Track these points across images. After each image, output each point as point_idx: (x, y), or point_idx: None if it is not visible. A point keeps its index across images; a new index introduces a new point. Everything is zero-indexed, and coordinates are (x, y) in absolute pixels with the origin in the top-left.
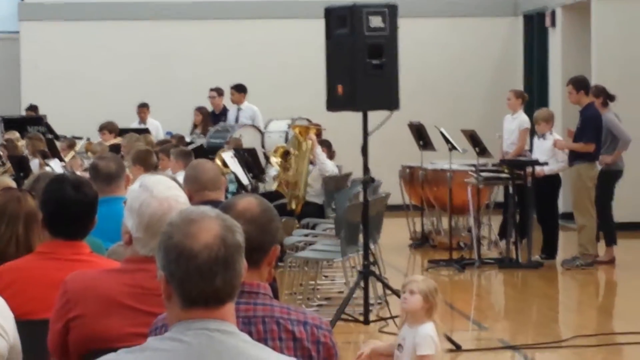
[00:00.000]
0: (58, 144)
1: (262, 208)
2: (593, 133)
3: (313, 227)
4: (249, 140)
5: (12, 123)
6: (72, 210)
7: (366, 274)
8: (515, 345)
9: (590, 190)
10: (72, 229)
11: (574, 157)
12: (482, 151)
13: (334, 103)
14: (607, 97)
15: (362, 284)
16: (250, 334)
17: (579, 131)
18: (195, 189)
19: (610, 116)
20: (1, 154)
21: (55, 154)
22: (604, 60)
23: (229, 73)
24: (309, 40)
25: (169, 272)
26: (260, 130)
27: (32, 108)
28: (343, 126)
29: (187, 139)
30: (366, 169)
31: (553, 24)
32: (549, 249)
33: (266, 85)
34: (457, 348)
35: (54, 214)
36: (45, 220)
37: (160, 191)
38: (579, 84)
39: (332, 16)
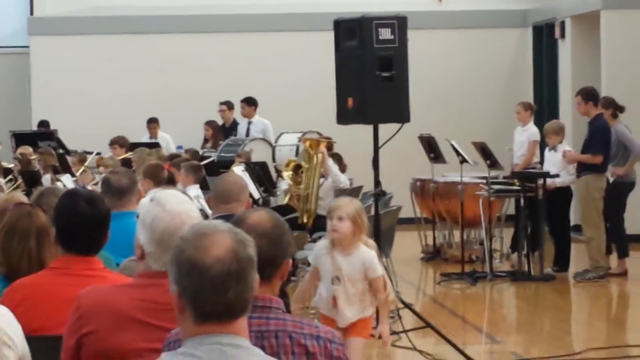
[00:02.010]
0: (69, 158)
1: (273, 222)
2: (601, 144)
3: None
4: (259, 154)
5: (23, 138)
6: (85, 225)
7: None
8: (528, 358)
9: (598, 202)
10: (85, 244)
11: (582, 168)
12: (493, 164)
13: (344, 116)
14: (616, 108)
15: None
16: (263, 348)
17: (587, 142)
18: (212, 203)
19: (621, 127)
20: (13, 169)
21: (67, 168)
22: (614, 71)
23: (238, 86)
24: (318, 53)
25: (182, 286)
26: (270, 144)
27: (43, 124)
28: (354, 139)
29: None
30: (377, 182)
31: (562, 35)
32: (561, 262)
33: (276, 98)
34: None
35: (67, 229)
36: (58, 235)
37: (172, 205)
38: (588, 94)
39: (342, 28)
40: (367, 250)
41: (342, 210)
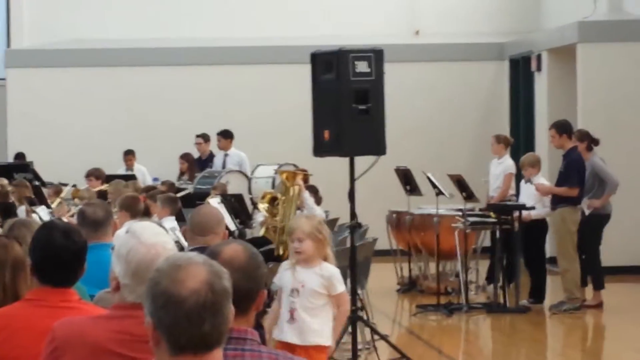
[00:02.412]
0: (45, 190)
1: (248, 255)
2: (576, 177)
3: None
4: (235, 186)
5: None
6: (61, 257)
7: (354, 319)
8: None
9: (573, 234)
10: (61, 276)
11: (557, 201)
12: (469, 196)
13: (321, 148)
14: (591, 141)
15: (350, 329)
16: None
17: (562, 175)
18: (188, 235)
19: (596, 160)
20: None
21: (42, 200)
22: (590, 104)
23: (215, 119)
24: (295, 86)
25: (157, 318)
26: (247, 176)
27: (19, 156)
28: (329, 171)
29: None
30: (353, 214)
31: (539, 68)
32: (537, 294)
33: (252, 131)
34: None
35: (43, 261)
36: (34, 267)
37: (147, 237)
38: (562, 127)
39: (318, 61)
40: (330, 267)
41: (299, 231)
